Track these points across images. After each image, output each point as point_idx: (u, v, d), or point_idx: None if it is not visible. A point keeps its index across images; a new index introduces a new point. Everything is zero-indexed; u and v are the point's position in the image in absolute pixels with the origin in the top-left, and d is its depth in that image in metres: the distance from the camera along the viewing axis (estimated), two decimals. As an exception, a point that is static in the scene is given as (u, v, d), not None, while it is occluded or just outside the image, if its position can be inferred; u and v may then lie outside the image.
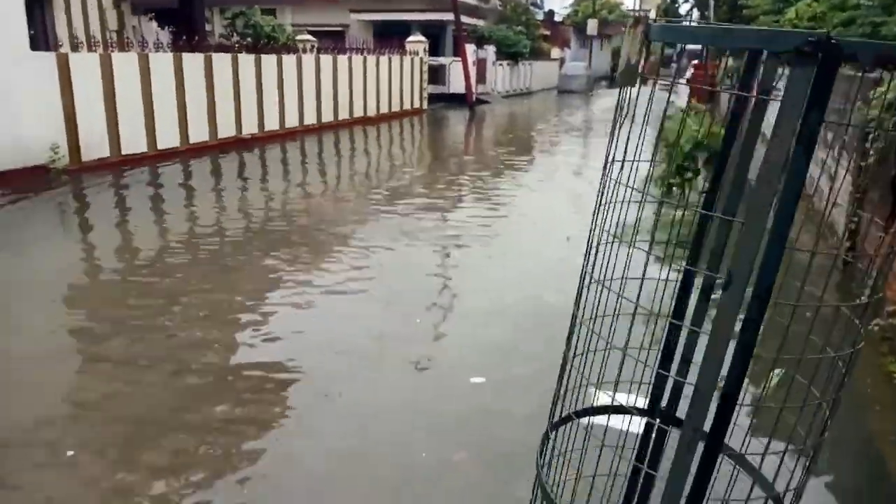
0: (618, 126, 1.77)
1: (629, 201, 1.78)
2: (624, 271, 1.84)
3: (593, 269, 1.86)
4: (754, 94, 1.74)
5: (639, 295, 1.74)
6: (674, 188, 8.94)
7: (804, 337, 1.64)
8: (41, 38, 10.75)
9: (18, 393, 4.04)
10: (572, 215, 8.70)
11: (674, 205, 2.22)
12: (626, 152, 1.75)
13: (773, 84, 1.79)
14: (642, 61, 1.75)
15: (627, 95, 1.76)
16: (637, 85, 1.75)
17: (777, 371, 2.44)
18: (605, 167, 1.82)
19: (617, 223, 1.80)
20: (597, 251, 1.84)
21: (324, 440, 3.56)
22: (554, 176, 12.02)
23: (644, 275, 1.84)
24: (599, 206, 1.82)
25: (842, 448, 3.52)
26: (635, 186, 1.76)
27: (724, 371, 1.55)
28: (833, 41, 1.28)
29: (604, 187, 1.81)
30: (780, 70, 1.75)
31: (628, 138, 1.75)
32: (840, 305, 1.66)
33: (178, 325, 5.01)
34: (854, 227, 5.68)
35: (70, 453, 3.39)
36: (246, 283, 6.03)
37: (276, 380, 4.23)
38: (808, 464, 1.74)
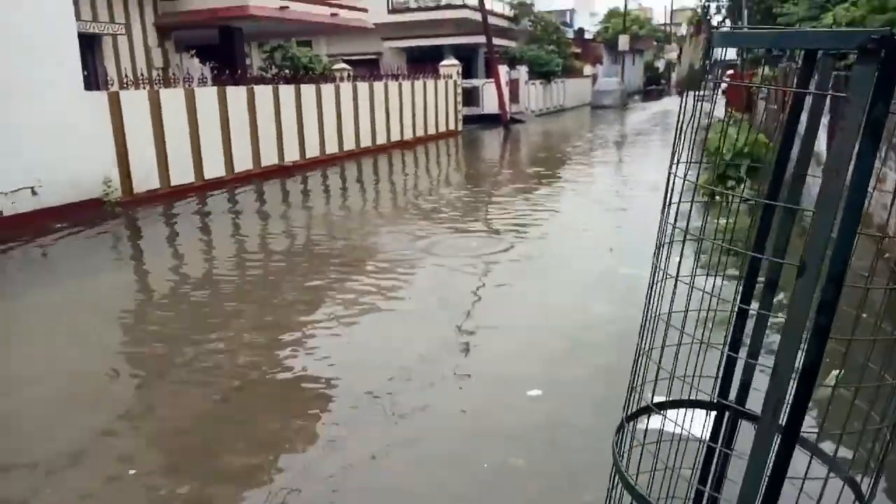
0: (681, 131, 1.86)
1: (692, 201, 1.87)
2: (693, 267, 1.92)
3: (665, 264, 1.94)
4: (810, 93, 1.81)
5: (713, 291, 1.81)
6: (716, 196, 8.90)
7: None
8: (93, 77, 11.23)
9: (84, 405, 4.24)
10: (614, 228, 8.73)
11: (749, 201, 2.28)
12: (690, 155, 1.84)
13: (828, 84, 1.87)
14: (705, 66, 1.84)
15: (689, 101, 1.85)
16: (702, 89, 1.83)
17: (835, 372, 2.46)
18: (670, 167, 1.90)
19: (683, 225, 1.88)
20: (669, 246, 1.91)
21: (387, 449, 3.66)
22: (593, 189, 12.06)
23: (708, 273, 1.91)
24: (668, 204, 1.91)
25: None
26: (699, 185, 1.84)
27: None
28: (896, 37, 1.36)
29: (670, 187, 1.90)
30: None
31: (693, 142, 1.84)
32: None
33: (226, 342, 5.20)
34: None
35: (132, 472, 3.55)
36: (293, 302, 6.20)
37: (340, 393, 4.35)
38: (885, 446, 1.76)
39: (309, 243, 8.77)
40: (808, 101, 1.95)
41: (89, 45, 13.42)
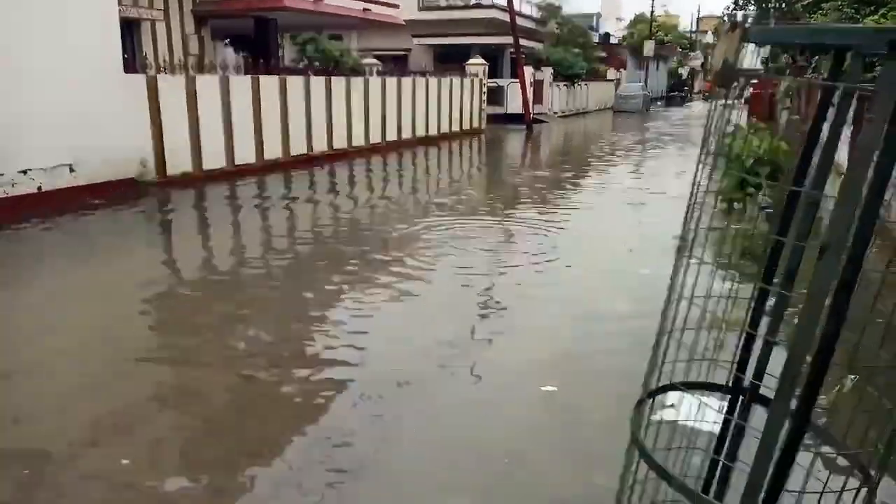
0: (711, 133, 1.97)
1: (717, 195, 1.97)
2: (716, 255, 2.04)
3: (691, 250, 2.06)
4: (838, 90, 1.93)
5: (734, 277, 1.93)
6: (735, 203, 8.96)
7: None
8: (131, 61, 11.51)
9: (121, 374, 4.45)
10: (633, 227, 8.83)
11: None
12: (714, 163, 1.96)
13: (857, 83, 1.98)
14: (736, 61, 1.96)
15: (721, 100, 1.96)
16: (736, 85, 1.96)
17: (851, 377, 2.57)
18: (699, 159, 2.01)
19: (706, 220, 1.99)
20: (695, 234, 2.03)
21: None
22: (614, 188, 12.16)
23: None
24: (695, 190, 2.03)
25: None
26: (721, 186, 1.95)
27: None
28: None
29: (699, 176, 2.01)
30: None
31: (717, 150, 1.95)
32: None
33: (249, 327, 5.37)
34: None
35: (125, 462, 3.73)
36: (317, 288, 6.37)
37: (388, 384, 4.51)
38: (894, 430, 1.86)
39: (335, 230, 8.96)
40: (832, 110, 2.05)
41: (129, 29, 13.74)
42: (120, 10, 11.07)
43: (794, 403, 1.73)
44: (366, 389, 4.16)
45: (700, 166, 1.98)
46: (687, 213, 2.04)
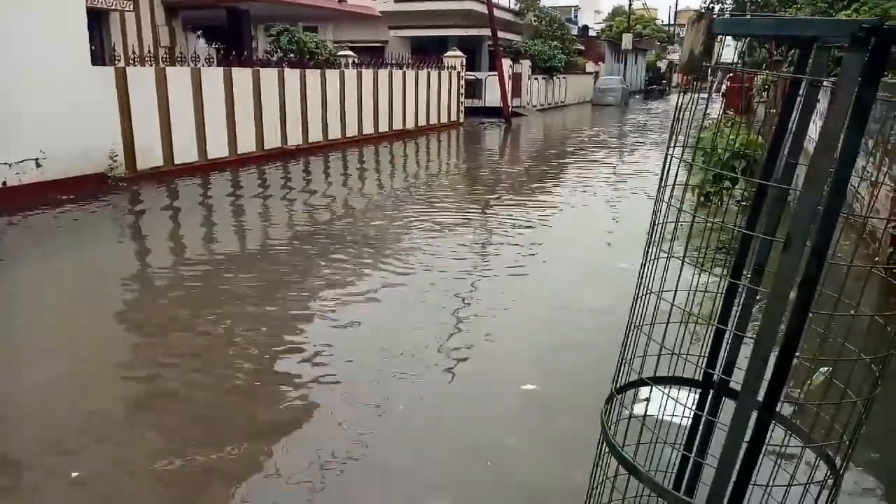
0: (677, 125, 1.94)
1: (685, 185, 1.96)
2: (684, 249, 2.02)
3: (658, 245, 2.03)
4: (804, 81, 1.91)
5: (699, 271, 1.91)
6: (711, 196, 9.01)
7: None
8: (99, 52, 11.28)
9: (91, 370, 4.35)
10: (611, 222, 8.84)
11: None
12: (682, 155, 1.93)
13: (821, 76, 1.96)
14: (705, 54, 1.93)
15: (687, 92, 1.93)
16: (701, 75, 1.93)
17: (823, 369, 2.57)
18: (665, 156, 1.99)
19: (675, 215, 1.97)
20: (662, 228, 2.01)
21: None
22: (593, 182, 12.17)
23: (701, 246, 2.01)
24: (663, 186, 2.00)
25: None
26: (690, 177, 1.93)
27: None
28: (885, 27, 1.46)
29: (667, 169, 1.99)
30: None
31: (685, 142, 1.93)
32: (873, 315, 1.77)
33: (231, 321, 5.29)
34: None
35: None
36: (292, 283, 6.29)
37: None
38: (860, 420, 1.85)
39: (310, 224, 8.85)
40: (800, 99, 2.04)
41: (97, 19, 13.45)
42: (87, 0, 10.82)
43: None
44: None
45: (668, 160, 1.95)
46: (655, 206, 2.02)
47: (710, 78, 1.83)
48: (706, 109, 1.94)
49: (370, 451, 3.45)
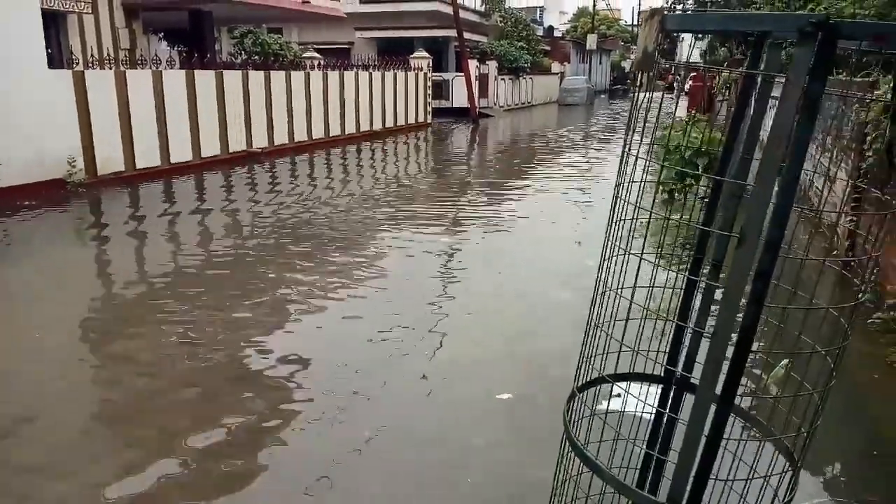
0: (633, 122, 1.94)
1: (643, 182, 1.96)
2: (643, 245, 2.02)
3: (616, 242, 2.03)
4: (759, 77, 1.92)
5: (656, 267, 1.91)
6: (675, 193, 9.13)
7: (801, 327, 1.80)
8: (56, 56, 11.01)
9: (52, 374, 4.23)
10: (581, 220, 8.90)
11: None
12: (638, 152, 1.93)
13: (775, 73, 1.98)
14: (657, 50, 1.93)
15: (641, 89, 1.94)
16: (653, 72, 1.93)
17: (784, 362, 2.59)
18: (622, 155, 1.98)
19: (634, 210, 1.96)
20: (620, 226, 2.00)
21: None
22: (561, 182, 12.24)
23: (660, 243, 2.01)
24: (620, 184, 2.00)
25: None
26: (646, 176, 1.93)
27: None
28: (831, 22, 1.47)
29: (624, 165, 1.99)
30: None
31: (641, 139, 1.92)
32: (828, 308, 1.80)
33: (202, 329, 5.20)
34: (853, 227, 5.87)
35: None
36: (259, 290, 6.21)
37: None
38: (816, 412, 1.87)
39: (277, 228, 8.73)
40: (755, 93, 2.06)
41: (54, 21, 13.14)
42: (42, 2, 10.56)
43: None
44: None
45: (625, 157, 1.95)
46: (613, 204, 2.02)
47: (672, 76, 1.85)
48: (660, 106, 1.94)
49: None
